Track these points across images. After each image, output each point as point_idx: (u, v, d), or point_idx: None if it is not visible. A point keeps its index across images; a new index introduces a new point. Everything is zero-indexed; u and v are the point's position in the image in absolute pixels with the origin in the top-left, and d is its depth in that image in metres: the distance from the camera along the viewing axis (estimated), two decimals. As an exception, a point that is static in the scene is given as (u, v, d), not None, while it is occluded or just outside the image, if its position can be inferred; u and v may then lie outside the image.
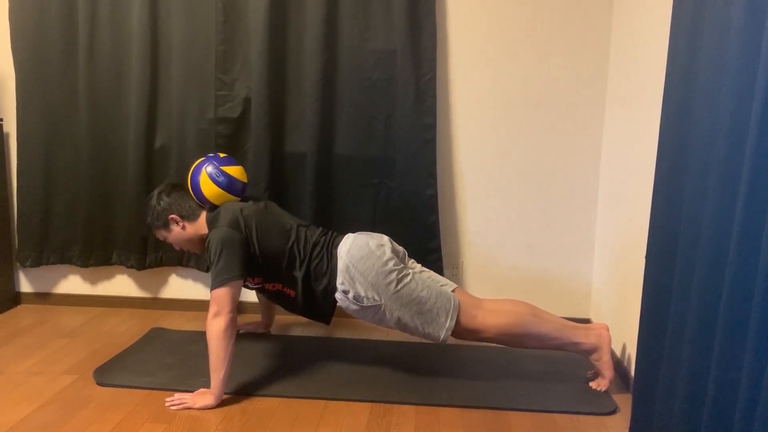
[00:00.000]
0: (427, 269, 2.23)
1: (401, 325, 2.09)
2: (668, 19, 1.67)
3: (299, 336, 2.62)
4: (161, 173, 2.77)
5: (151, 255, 2.83)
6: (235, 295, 1.98)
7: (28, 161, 2.79)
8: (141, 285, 2.96)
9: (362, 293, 2.06)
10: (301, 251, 2.14)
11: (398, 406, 2.02)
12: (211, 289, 1.98)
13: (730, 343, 1.22)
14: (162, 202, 2.23)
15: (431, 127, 2.63)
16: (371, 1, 2.59)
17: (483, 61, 2.67)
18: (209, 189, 2.19)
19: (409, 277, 2.08)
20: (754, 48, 1.20)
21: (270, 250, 2.12)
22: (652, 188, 1.72)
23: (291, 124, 2.70)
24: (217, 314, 1.93)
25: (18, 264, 2.90)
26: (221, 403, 1.98)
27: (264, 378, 2.18)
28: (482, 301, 2.16)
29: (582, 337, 2.12)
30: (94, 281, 2.98)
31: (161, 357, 2.34)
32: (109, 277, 2.96)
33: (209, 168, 2.20)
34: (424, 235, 2.67)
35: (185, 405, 1.96)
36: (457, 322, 2.07)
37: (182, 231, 2.24)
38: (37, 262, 2.86)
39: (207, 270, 2.73)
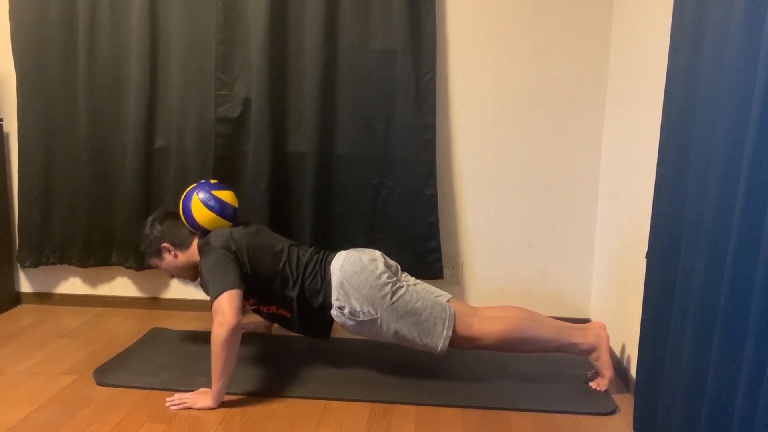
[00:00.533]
0: (421, 281, 2.23)
1: (399, 338, 2.09)
2: (668, 19, 1.67)
3: (299, 336, 2.61)
4: (161, 173, 2.77)
5: (150, 255, 2.82)
6: (236, 304, 1.95)
7: (28, 161, 2.79)
8: (141, 285, 2.96)
9: (358, 308, 2.07)
10: (294, 271, 2.14)
11: (398, 406, 2.02)
12: (211, 303, 1.97)
13: (730, 343, 1.22)
14: (155, 231, 2.24)
15: (431, 127, 2.63)
16: (371, 1, 2.59)
17: (483, 61, 2.67)
18: (201, 214, 2.20)
19: (403, 290, 2.09)
20: (754, 48, 1.20)
21: (262, 272, 2.13)
22: (652, 188, 1.72)
23: (291, 124, 2.70)
24: (221, 324, 1.92)
25: (18, 264, 2.90)
26: (221, 404, 1.98)
27: (264, 378, 2.18)
28: (478, 309, 2.16)
29: (580, 337, 2.12)
30: (94, 281, 2.98)
31: (161, 357, 2.34)
32: (109, 277, 2.96)
33: (201, 194, 2.22)
34: (424, 235, 2.67)
35: (185, 405, 1.96)
36: (454, 331, 2.07)
37: (174, 259, 2.25)
38: (37, 263, 2.86)
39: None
